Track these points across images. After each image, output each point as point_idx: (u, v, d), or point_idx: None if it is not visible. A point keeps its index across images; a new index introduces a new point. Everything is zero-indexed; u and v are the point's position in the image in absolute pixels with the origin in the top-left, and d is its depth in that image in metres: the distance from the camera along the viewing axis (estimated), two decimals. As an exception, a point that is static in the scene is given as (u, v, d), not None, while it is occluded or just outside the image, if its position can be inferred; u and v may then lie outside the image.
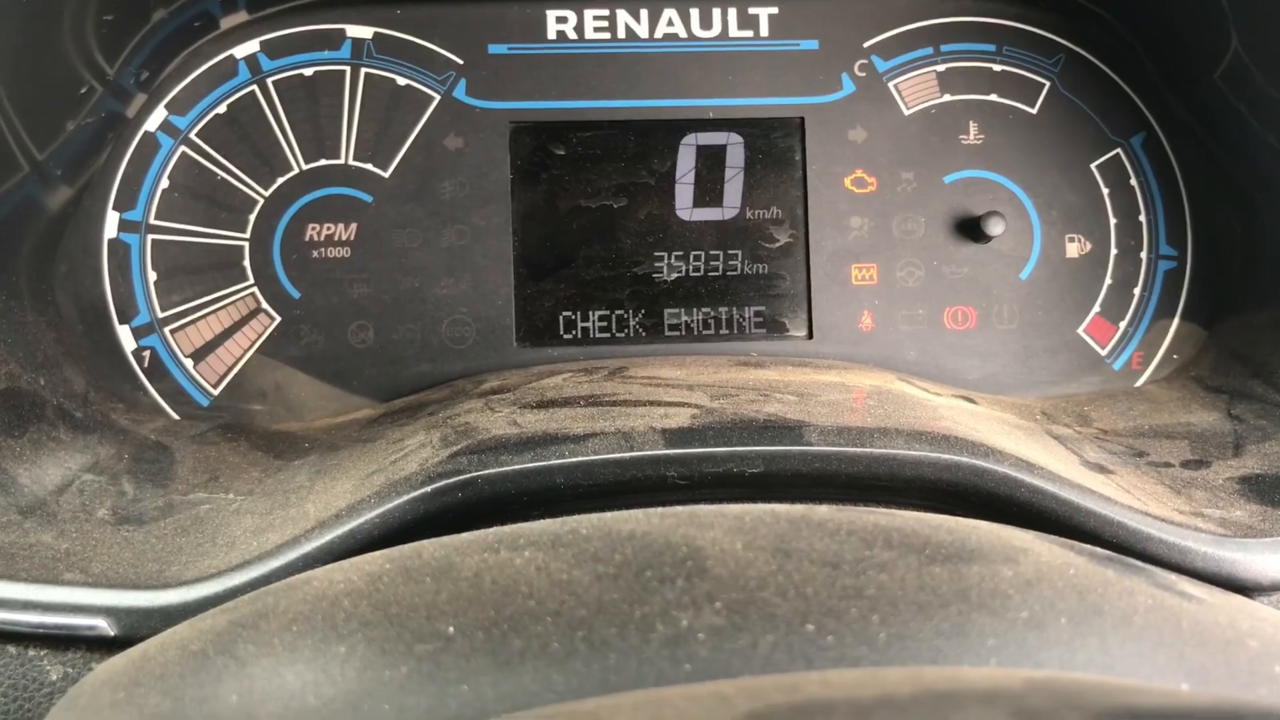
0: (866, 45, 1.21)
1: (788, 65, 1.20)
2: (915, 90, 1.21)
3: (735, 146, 1.19)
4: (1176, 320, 1.22)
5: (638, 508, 0.60)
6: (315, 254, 1.15)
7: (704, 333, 1.18)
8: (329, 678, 0.48)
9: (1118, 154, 1.23)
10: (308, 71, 1.16)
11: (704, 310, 1.18)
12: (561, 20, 1.19)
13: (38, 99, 0.94)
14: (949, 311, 1.20)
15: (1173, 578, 0.59)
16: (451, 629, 0.48)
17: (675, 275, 1.18)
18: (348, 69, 1.17)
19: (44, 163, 0.97)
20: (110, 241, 1.12)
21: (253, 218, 1.15)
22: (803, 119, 1.20)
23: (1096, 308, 1.21)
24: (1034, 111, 1.22)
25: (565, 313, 1.17)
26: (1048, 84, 1.23)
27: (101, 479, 0.91)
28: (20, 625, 0.71)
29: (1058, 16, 1.24)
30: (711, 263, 1.19)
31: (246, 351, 1.14)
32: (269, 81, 1.16)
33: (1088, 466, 0.89)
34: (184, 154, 1.14)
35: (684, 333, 1.18)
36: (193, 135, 1.14)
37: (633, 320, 1.17)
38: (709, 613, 0.47)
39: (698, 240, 1.19)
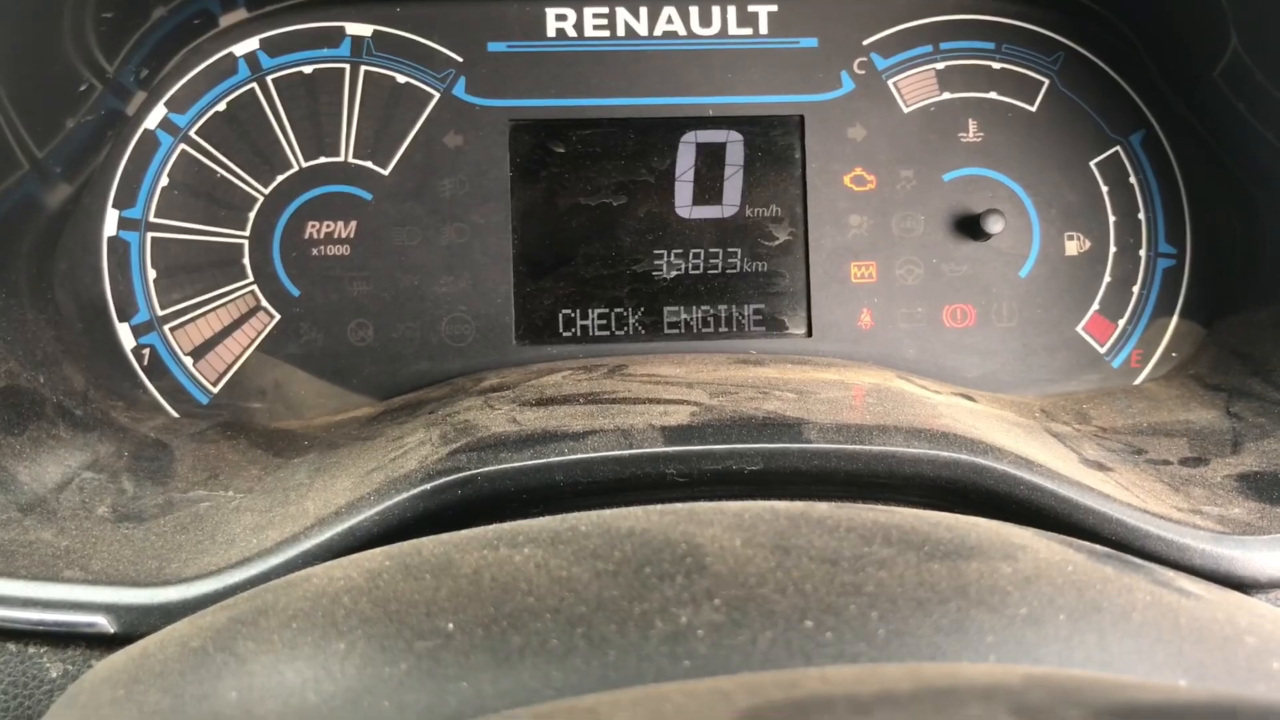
0: (866, 43, 1.21)
1: (787, 63, 1.20)
2: (915, 88, 1.21)
3: (735, 144, 1.19)
4: (1175, 318, 1.22)
5: (637, 505, 0.60)
6: (315, 252, 1.15)
7: (703, 330, 1.18)
8: (329, 674, 0.48)
9: (1117, 152, 1.23)
10: (307, 69, 1.16)
11: (703, 308, 1.18)
12: (561, 18, 1.19)
13: (37, 97, 0.94)
14: (948, 309, 1.20)
15: (1171, 574, 0.59)
16: (451, 626, 0.48)
17: (675, 273, 1.18)
18: (347, 67, 1.17)
19: (44, 160, 0.97)
20: (110, 239, 1.12)
21: (252, 215, 1.15)
22: (802, 117, 1.20)
23: (1095, 305, 1.22)
24: (1033, 109, 1.22)
25: (565, 310, 1.17)
26: (1047, 82, 1.23)
27: (101, 476, 0.91)
28: (20, 622, 0.71)
29: (1057, 14, 1.24)
30: (711, 260, 1.19)
31: (246, 349, 1.14)
32: (269, 79, 1.16)
33: (1086, 464, 0.89)
34: (184, 152, 1.14)
35: (683, 330, 1.18)
36: (192, 133, 1.14)
37: (632, 318, 1.17)
38: (708, 609, 0.47)
39: (697, 238, 1.19)
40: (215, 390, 1.13)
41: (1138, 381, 1.21)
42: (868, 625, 0.47)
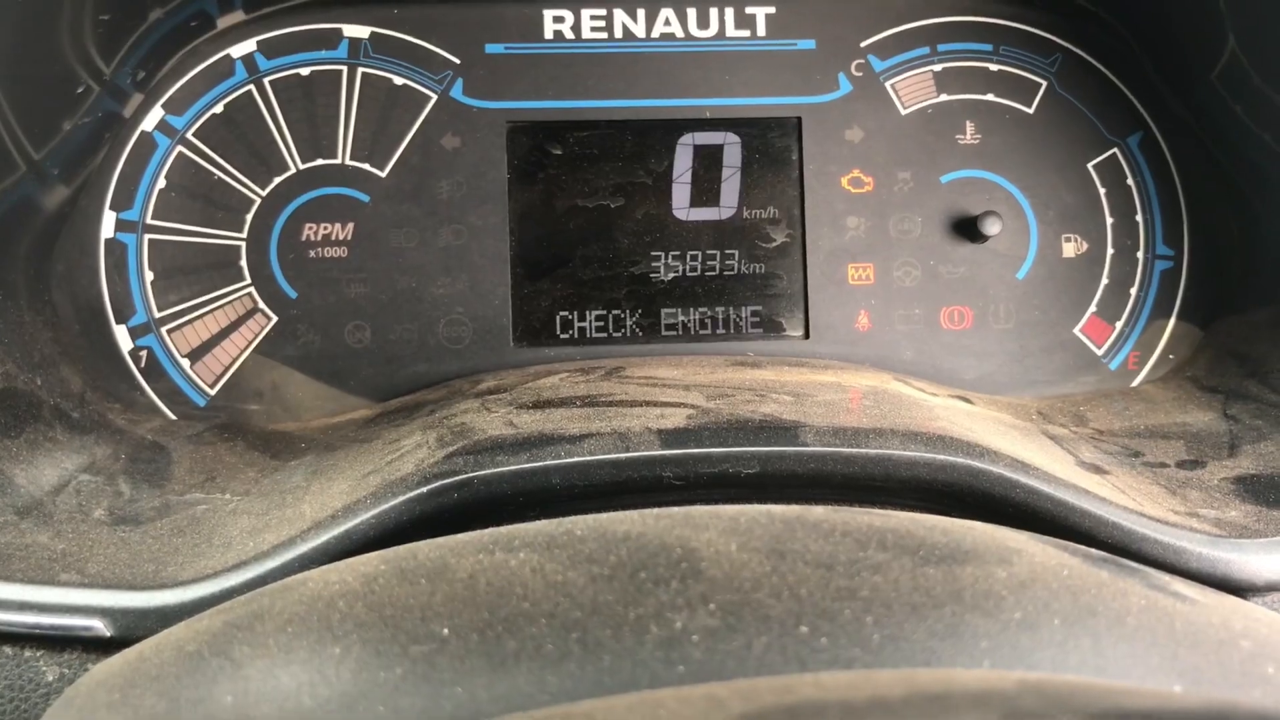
0: (863, 45, 1.21)
1: (785, 65, 1.20)
2: (912, 90, 1.22)
3: (732, 146, 1.19)
4: (1173, 320, 1.22)
5: (634, 508, 0.60)
6: (312, 254, 1.15)
7: (701, 332, 1.18)
8: (324, 679, 0.48)
9: (1114, 154, 1.23)
10: (304, 71, 1.16)
11: (701, 310, 1.18)
12: (558, 20, 1.19)
13: (34, 99, 0.94)
14: (945, 311, 1.20)
15: (1167, 578, 0.59)
16: (446, 630, 0.48)
17: (672, 275, 1.18)
18: (345, 68, 1.17)
19: (41, 162, 0.97)
20: (107, 241, 1.12)
21: (249, 217, 1.15)
22: (799, 119, 1.20)
23: (1093, 307, 1.22)
24: (1031, 111, 1.22)
25: (562, 312, 1.17)
26: (1044, 84, 1.23)
27: (98, 479, 0.91)
28: (16, 626, 0.71)
29: (1055, 16, 1.24)
30: (708, 262, 1.19)
31: (243, 351, 1.14)
32: (266, 81, 1.16)
33: (1083, 467, 0.89)
34: (181, 154, 1.14)
35: (681, 332, 1.18)
36: (189, 135, 1.14)
37: (629, 320, 1.17)
38: (703, 614, 0.47)
39: (695, 240, 1.19)
40: (212, 392, 1.13)
41: (1135, 383, 1.21)
42: (862, 630, 0.47)
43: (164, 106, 1.14)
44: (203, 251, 1.14)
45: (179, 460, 0.98)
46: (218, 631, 0.53)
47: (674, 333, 1.18)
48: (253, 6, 1.15)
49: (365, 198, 1.16)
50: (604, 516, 0.57)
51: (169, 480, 0.93)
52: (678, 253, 1.18)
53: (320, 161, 1.16)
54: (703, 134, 1.19)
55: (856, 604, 0.48)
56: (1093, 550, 0.61)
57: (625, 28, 1.19)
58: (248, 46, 1.16)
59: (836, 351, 1.18)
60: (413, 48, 1.17)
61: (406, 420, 0.98)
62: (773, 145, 1.20)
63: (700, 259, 1.19)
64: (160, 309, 1.13)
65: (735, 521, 0.55)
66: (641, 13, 1.20)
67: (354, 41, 1.17)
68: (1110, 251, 1.22)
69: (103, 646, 0.71)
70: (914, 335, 1.20)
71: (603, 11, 1.19)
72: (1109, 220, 1.22)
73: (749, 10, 1.21)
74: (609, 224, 1.18)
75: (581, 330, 1.17)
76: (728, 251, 1.19)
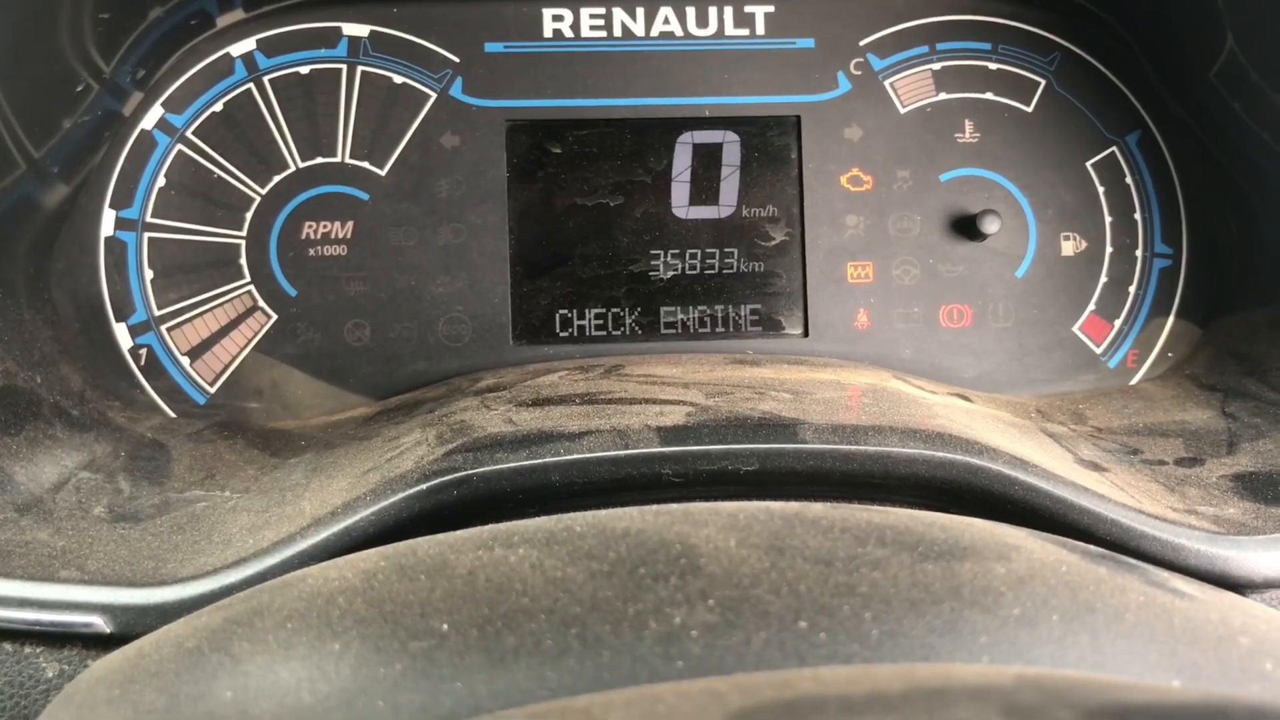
0: (862, 44, 1.22)
1: (784, 63, 1.20)
2: (911, 88, 1.22)
3: (731, 145, 1.19)
4: (1171, 318, 1.22)
5: (633, 505, 0.60)
6: (312, 252, 1.15)
7: (700, 331, 1.19)
8: (323, 675, 0.48)
9: (1113, 152, 1.23)
10: (304, 70, 1.16)
11: (700, 308, 1.19)
12: (558, 19, 1.19)
13: (34, 97, 0.94)
14: (944, 309, 1.20)
15: (1165, 575, 0.59)
16: (445, 626, 0.49)
17: (671, 273, 1.18)
18: (344, 67, 1.17)
19: (41, 161, 0.97)
20: (107, 239, 1.12)
21: (249, 216, 1.15)
22: (799, 117, 1.20)
23: (1092, 306, 1.22)
24: (1029, 110, 1.22)
25: (561, 311, 1.17)
26: (1043, 82, 1.23)
27: (98, 476, 0.91)
28: (16, 622, 0.71)
29: (1053, 15, 1.24)
30: (708, 261, 1.19)
31: (243, 349, 1.14)
32: (265, 79, 1.16)
33: (1082, 464, 0.89)
34: (180, 152, 1.14)
35: (680, 331, 1.18)
36: (189, 133, 1.14)
37: (629, 318, 1.18)
38: (702, 610, 0.48)
39: (694, 238, 1.19)
40: (212, 390, 1.13)
41: (1134, 381, 1.21)
42: (861, 626, 0.47)
43: (164, 105, 1.14)
44: (202, 250, 1.14)
45: (179, 458, 0.98)
46: (217, 628, 0.53)
47: (673, 331, 1.18)
48: (252, 5, 1.15)
49: (365, 196, 1.16)
50: (603, 513, 0.58)
51: (169, 478, 0.93)
52: (677, 251, 1.18)
53: (320, 160, 1.16)
54: (702, 132, 1.19)
55: (855, 600, 0.48)
56: (1091, 547, 0.61)
57: (624, 26, 1.19)
58: (247, 45, 1.16)
59: (836, 350, 1.19)
60: (412, 46, 1.18)
61: (406, 418, 0.98)
62: (772, 144, 1.20)
63: (699, 257, 1.19)
64: (160, 307, 1.13)
65: (734, 518, 0.56)
66: (641, 11, 1.20)
67: (353, 40, 1.17)
68: (1109, 250, 1.22)
69: (102, 643, 0.71)
70: (913, 333, 1.20)
71: (602, 10, 1.19)
72: (1108, 219, 1.22)
73: (748, 9, 1.21)
74: (608, 222, 1.18)
75: (581, 328, 1.17)
76: (727, 250, 1.19)
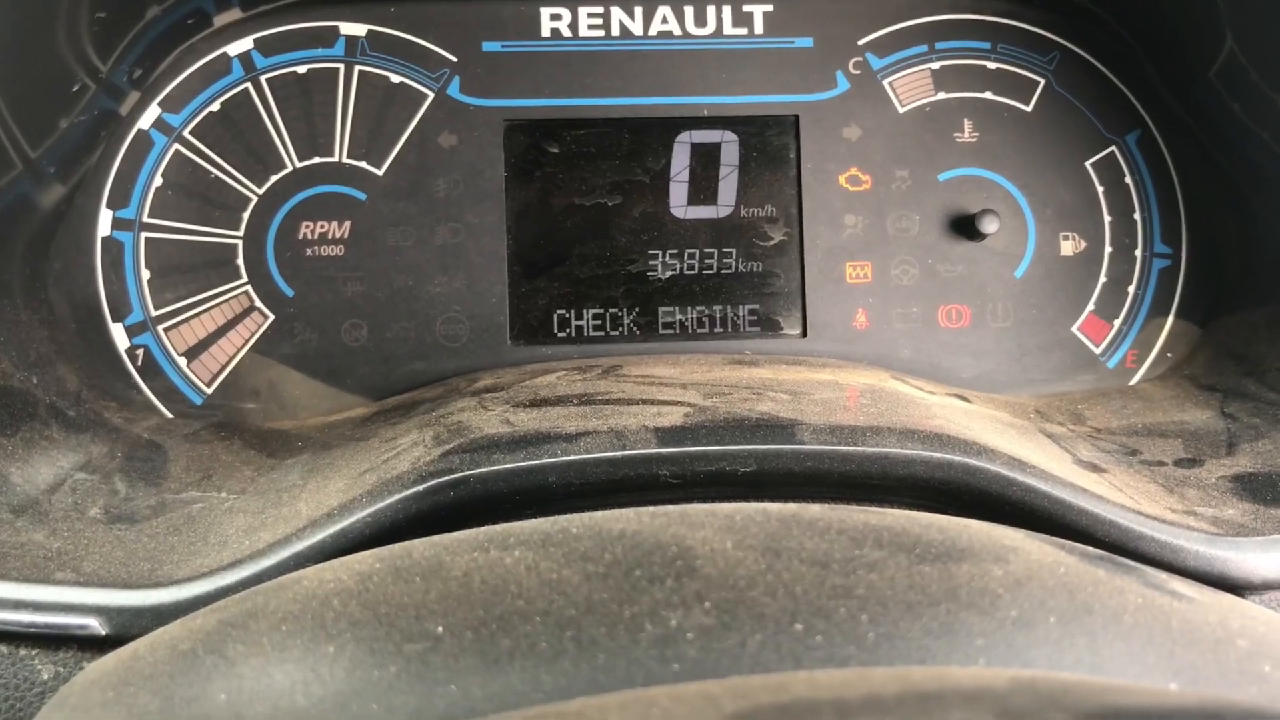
0: (861, 43, 1.21)
1: (782, 63, 1.20)
2: (910, 88, 1.21)
3: (730, 144, 1.19)
4: (1170, 318, 1.22)
5: (630, 506, 0.60)
6: (309, 252, 1.15)
7: (698, 331, 1.18)
8: (318, 677, 0.48)
9: (1112, 152, 1.23)
10: (301, 69, 1.16)
11: (698, 308, 1.18)
12: (556, 18, 1.19)
13: (31, 96, 0.93)
14: (943, 310, 1.20)
15: (1163, 577, 0.59)
16: (440, 629, 0.48)
17: (670, 273, 1.18)
18: (341, 66, 1.17)
19: (37, 160, 0.97)
20: (104, 239, 1.12)
21: (246, 216, 1.15)
22: (797, 117, 1.20)
23: (1091, 306, 1.22)
24: (1029, 109, 1.22)
25: (559, 311, 1.17)
26: (1042, 81, 1.23)
27: (94, 478, 0.91)
28: (12, 624, 0.71)
29: (1052, 14, 1.24)
30: (706, 261, 1.19)
31: (240, 350, 1.14)
32: (262, 79, 1.16)
33: (1080, 465, 0.89)
34: (177, 152, 1.14)
35: (678, 331, 1.18)
36: (186, 133, 1.14)
37: (627, 318, 1.17)
38: (698, 612, 0.47)
39: (692, 238, 1.18)
40: (209, 391, 1.13)
41: (1133, 382, 1.21)
42: (857, 628, 0.47)
43: (161, 104, 1.14)
44: (199, 250, 1.14)
45: (175, 459, 0.98)
46: (212, 630, 0.53)
47: (671, 331, 1.18)
48: (249, 4, 1.15)
49: (362, 196, 1.16)
50: (599, 514, 0.57)
51: (165, 479, 0.93)
52: (675, 251, 1.18)
53: (317, 160, 1.16)
54: (700, 132, 1.19)
55: (852, 602, 0.48)
56: (1089, 548, 0.61)
57: (623, 25, 1.19)
58: (244, 44, 1.16)
59: (834, 350, 1.18)
60: (410, 46, 1.17)
61: (403, 419, 0.98)
62: (770, 143, 1.19)
63: (698, 257, 1.18)
64: (157, 307, 1.13)
65: (731, 520, 0.55)
66: (639, 10, 1.19)
67: (351, 39, 1.17)
68: (1108, 250, 1.22)
69: (98, 645, 0.71)
70: (912, 333, 1.19)
71: (600, 9, 1.19)
72: (1107, 218, 1.22)
73: (746, 8, 1.20)
74: (606, 222, 1.18)
75: (579, 329, 1.17)
76: (725, 250, 1.19)
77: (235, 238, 1.14)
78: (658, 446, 0.79)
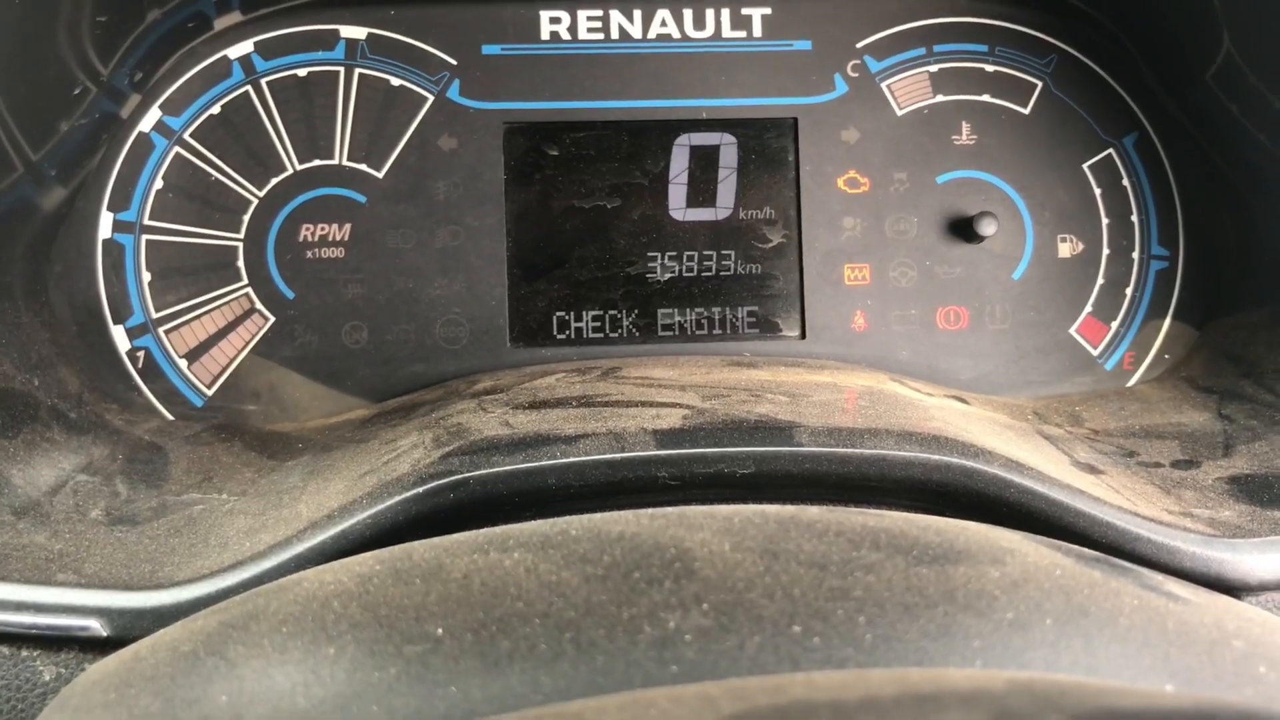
0: (859, 46, 1.22)
1: (781, 66, 1.21)
2: (908, 91, 1.22)
3: (728, 147, 1.19)
4: (1168, 320, 1.22)
5: (629, 508, 0.60)
6: (309, 254, 1.15)
7: (697, 333, 1.19)
8: (318, 679, 0.48)
9: (1110, 154, 1.23)
10: (301, 72, 1.16)
11: (697, 310, 1.19)
12: (555, 21, 1.19)
13: (32, 100, 0.94)
14: (941, 312, 1.20)
15: (1160, 578, 0.59)
16: (440, 630, 0.49)
17: (669, 275, 1.18)
18: (341, 69, 1.17)
19: (38, 163, 0.98)
20: (105, 242, 1.12)
21: (247, 218, 1.15)
22: (796, 119, 1.20)
23: (1088, 308, 1.22)
24: (1026, 112, 1.23)
25: (559, 313, 1.17)
26: (1040, 84, 1.23)
27: (95, 479, 0.91)
28: (13, 626, 0.71)
29: (1050, 17, 1.24)
30: (705, 263, 1.19)
31: (240, 352, 1.14)
32: (263, 82, 1.16)
33: (1078, 467, 0.89)
34: (178, 154, 1.14)
35: (677, 333, 1.18)
36: (186, 136, 1.14)
37: (626, 320, 1.18)
38: (696, 614, 0.48)
39: (691, 240, 1.19)
40: (210, 393, 1.13)
41: (1130, 384, 1.21)
42: (855, 630, 0.47)
43: (161, 107, 1.14)
44: (200, 252, 1.14)
45: (176, 461, 0.98)
46: (213, 631, 0.54)
47: (670, 333, 1.18)
48: (250, 7, 1.15)
49: (362, 198, 1.16)
50: (598, 516, 0.58)
51: (166, 481, 0.93)
52: (674, 253, 1.19)
53: (317, 162, 1.16)
54: (699, 135, 1.19)
55: (849, 604, 0.48)
56: (1086, 550, 0.61)
57: (622, 28, 1.19)
58: (245, 48, 1.16)
59: (832, 352, 1.19)
60: (409, 49, 1.18)
61: (403, 421, 0.98)
62: (769, 146, 1.20)
63: (697, 259, 1.19)
64: (158, 310, 1.13)
65: (729, 522, 0.56)
66: (638, 13, 1.20)
67: (351, 42, 1.17)
68: (1106, 252, 1.22)
69: (99, 646, 0.71)
70: (910, 335, 1.20)
71: (599, 12, 1.19)
72: (1104, 221, 1.22)
73: (745, 11, 1.21)
74: (605, 225, 1.18)
75: (578, 331, 1.17)
76: (724, 252, 1.19)
77: (236, 240, 1.15)
78: (656, 449, 0.79)
